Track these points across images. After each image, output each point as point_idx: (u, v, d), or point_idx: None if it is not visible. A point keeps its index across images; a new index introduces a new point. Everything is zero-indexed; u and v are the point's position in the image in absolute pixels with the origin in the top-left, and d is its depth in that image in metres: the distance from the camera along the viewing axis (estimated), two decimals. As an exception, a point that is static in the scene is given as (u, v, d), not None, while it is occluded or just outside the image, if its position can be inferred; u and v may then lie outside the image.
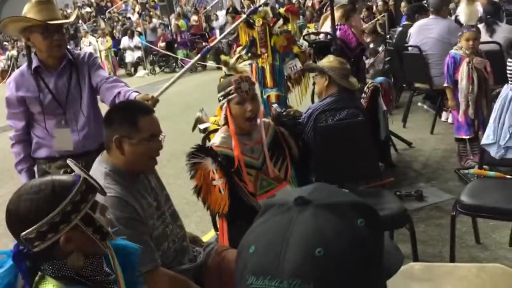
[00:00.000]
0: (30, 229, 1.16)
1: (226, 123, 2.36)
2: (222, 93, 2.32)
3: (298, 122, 2.68)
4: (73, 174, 1.29)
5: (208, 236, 3.51)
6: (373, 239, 0.63)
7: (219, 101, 2.35)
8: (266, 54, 4.07)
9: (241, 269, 0.64)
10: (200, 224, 3.88)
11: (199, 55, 3.15)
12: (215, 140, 2.38)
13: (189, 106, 8.28)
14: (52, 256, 1.22)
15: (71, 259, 1.22)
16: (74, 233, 1.21)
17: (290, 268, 0.59)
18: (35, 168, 2.69)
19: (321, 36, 6.33)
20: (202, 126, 4.96)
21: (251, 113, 2.28)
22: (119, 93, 2.48)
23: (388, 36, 7.47)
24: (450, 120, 5.43)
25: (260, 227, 0.66)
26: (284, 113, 2.68)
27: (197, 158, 2.23)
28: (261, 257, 0.62)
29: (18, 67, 15.01)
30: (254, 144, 2.38)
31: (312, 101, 5.76)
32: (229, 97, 2.29)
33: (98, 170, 1.83)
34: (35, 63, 2.54)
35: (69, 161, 1.34)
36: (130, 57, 15.24)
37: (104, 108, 2.69)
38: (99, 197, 1.33)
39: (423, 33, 5.29)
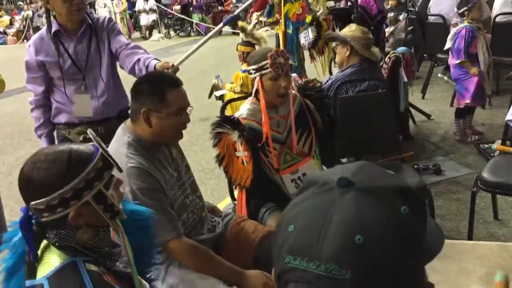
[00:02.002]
0: (40, 200, 1.14)
1: (255, 96, 2.28)
2: (255, 66, 2.22)
3: (324, 94, 2.58)
4: (91, 144, 1.25)
5: (224, 203, 3.54)
6: (416, 226, 0.62)
7: (250, 73, 2.26)
8: (281, 21, 3.96)
9: (279, 246, 0.64)
10: (215, 191, 3.90)
11: (221, 24, 3.06)
12: (242, 111, 2.31)
13: (205, 72, 8.23)
14: (61, 226, 1.20)
15: (79, 233, 1.20)
16: (84, 209, 1.19)
17: (328, 252, 0.58)
18: (55, 133, 2.70)
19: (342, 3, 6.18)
20: (218, 93, 4.93)
21: (284, 90, 2.21)
22: (138, 60, 2.45)
23: (410, 4, 7.26)
24: None
25: (301, 205, 0.65)
26: (310, 84, 2.59)
27: (223, 129, 2.18)
28: (299, 238, 0.61)
29: (33, 28, 14.84)
30: (280, 118, 2.32)
31: (330, 71, 5.67)
32: (263, 71, 2.20)
33: (122, 138, 1.82)
34: (54, 27, 2.51)
35: (89, 131, 1.29)
36: (145, 20, 15.08)
37: (122, 75, 2.68)
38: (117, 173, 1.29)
39: (438, 3, 5.20)
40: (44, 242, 1.23)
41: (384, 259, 0.58)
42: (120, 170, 1.27)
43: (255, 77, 2.23)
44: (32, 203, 1.15)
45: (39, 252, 1.21)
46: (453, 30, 4.24)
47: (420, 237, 0.62)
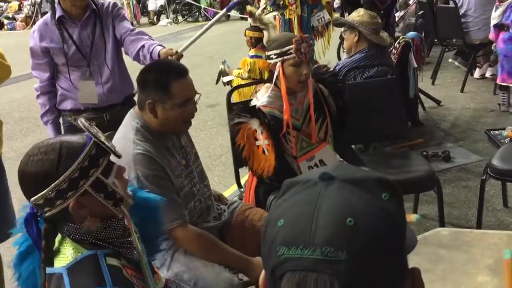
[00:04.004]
0: (37, 195, 1.12)
1: (275, 82, 2.22)
2: (277, 51, 2.16)
3: (338, 79, 2.52)
4: (85, 134, 1.21)
5: (231, 190, 3.53)
6: (397, 212, 0.65)
7: (269, 58, 2.20)
8: (294, 5, 3.89)
9: (269, 243, 0.65)
10: (222, 178, 3.89)
11: (225, 9, 3.02)
12: (262, 99, 2.25)
13: (212, 57, 8.19)
14: (68, 220, 1.18)
15: (86, 224, 1.18)
16: (85, 199, 1.16)
17: (323, 237, 0.60)
18: (61, 120, 2.69)
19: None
20: (225, 79, 4.90)
21: (306, 77, 2.16)
22: (143, 46, 2.43)
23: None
24: (488, 74, 5.40)
25: (287, 202, 0.68)
26: (324, 69, 2.53)
27: (243, 118, 2.14)
28: (291, 228, 0.63)
29: (41, 13, 14.77)
30: (298, 104, 2.27)
31: (338, 56, 5.60)
32: (285, 57, 2.14)
33: (130, 124, 1.82)
34: (58, 12, 2.49)
35: (79, 121, 1.25)
36: (153, 5, 14.99)
37: (128, 61, 2.66)
38: (124, 160, 1.27)
39: None
40: (60, 235, 1.22)
41: (375, 239, 0.60)
42: (118, 156, 1.23)
43: (276, 63, 2.17)
44: (32, 199, 1.14)
45: (56, 243, 1.20)
46: (501, 7, 4.26)
47: (401, 222, 0.66)
